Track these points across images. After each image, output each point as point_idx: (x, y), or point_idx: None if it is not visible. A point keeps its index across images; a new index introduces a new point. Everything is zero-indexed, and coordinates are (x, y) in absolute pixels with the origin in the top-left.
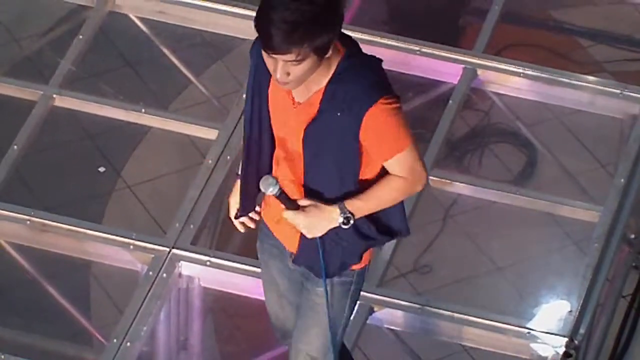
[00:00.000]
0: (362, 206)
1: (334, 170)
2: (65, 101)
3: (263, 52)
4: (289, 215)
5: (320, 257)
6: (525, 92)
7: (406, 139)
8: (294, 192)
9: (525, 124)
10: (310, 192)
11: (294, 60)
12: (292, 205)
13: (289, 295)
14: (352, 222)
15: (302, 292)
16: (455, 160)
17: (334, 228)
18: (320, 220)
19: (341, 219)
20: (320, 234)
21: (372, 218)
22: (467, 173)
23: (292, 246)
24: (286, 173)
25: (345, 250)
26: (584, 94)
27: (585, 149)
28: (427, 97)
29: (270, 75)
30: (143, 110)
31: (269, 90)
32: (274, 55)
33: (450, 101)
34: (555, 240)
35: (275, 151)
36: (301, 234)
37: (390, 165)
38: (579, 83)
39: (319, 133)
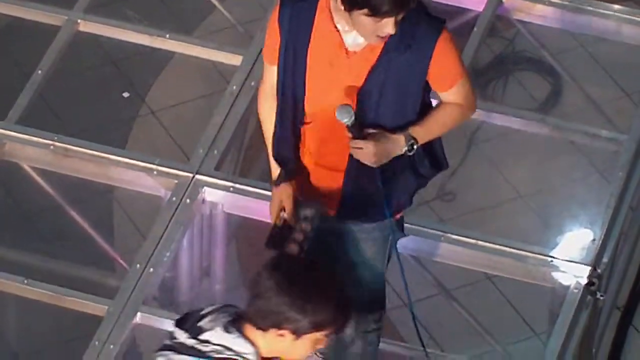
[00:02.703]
0: (423, 133)
1: (396, 107)
2: (89, 26)
3: (363, 18)
4: (360, 143)
5: (380, 189)
6: (550, 20)
7: (463, 65)
8: (338, 152)
9: (550, 52)
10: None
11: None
12: (361, 134)
13: None
14: (415, 148)
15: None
16: (479, 87)
17: (395, 159)
18: (387, 147)
19: (406, 146)
20: (386, 161)
21: (425, 150)
22: (492, 100)
23: (331, 204)
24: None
25: (400, 187)
26: (610, 22)
27: (610, 77)
28: (452, 24)
29: (309, 36)
30: (167, 35)
31: (309, 50)
32: (390, 17)
33: (475, 29)
34: (579, 168)
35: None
36: (343, 187)
37: (450, 93)
38: (605, 11)
39: (383, 75)
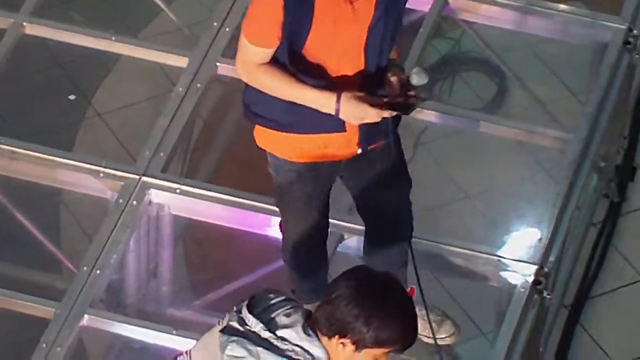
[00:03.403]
0: None
1: (390, 38)
2: (35, 29)
3: None
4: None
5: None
6: (496, 20)
7: None
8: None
9: (495, 52)
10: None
11: None
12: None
13: None
14: None
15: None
16: (426, 88)
17: None
18: None
19: None
20: None
21: None
22: (438, 101)
23: (353, 141)
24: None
25: None
26: (556, 22)
27: (556, 77)
28: None
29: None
30: (113, 38)
31: (315, 10)
32: None
33: (421, 29)
34: (525, 168)
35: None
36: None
37: None
38: (551, 11)
39: (382, 23)
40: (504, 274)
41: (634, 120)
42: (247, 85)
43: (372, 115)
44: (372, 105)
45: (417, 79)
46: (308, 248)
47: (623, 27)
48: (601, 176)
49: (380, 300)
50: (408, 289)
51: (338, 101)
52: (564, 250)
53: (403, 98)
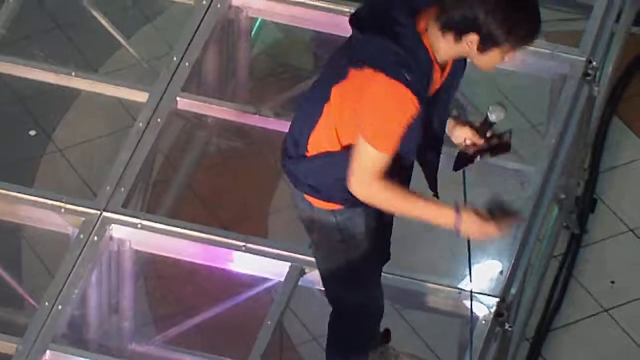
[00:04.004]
0: None
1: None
2: None
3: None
4: None
5: None
6: None
7: None
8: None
9: None
10: None
11: None
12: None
13: None
14: None
15: None
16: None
17: None
18: None
19: None
20: None
21: None
22: None
23: None
24: None
25: None
26: (516, 54)
27: (516, 109)
28: None
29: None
30: (73, 73)
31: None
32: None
33: None
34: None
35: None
36: None
37: None
38: None
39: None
40: (465, 306)
41: (594, 151)
42: (305, 167)
43: (493, 231)
44: (472, 156)
45: (497, 115)
46: (379, 307)
47: (582, 59)
48: (562, 208)
49: None
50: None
51: (458, 217)
52: (525, 282)
53: (497, 140)
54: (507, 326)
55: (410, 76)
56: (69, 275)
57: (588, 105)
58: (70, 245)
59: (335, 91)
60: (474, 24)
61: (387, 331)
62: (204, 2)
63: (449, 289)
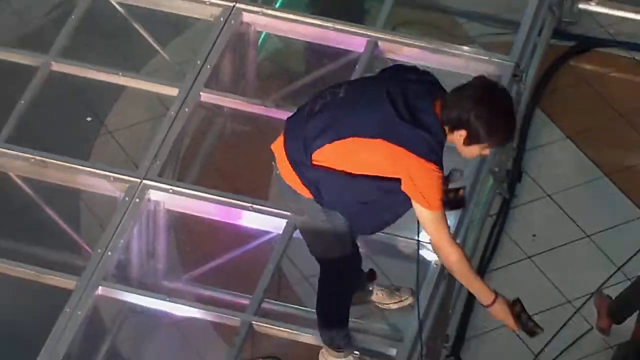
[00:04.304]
0: None
1: None
2: (60, 67)
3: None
4: None
5: None
6: (415, 59)
7: None
8: None
9: None
10: None
11: None
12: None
13: None
14: None
15: None
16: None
17: None
18: None
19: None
20: None
21: None
22: None
23: None
24: None
25: None
26: (461, 60)
27: None
28: (338, 63)
29: None
30: (120, 73)
31: None
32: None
33: (357, 66)
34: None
35: None
36: None
37: None
38: (457, 52)
39: None
40: (422, 252)
41: (521, 135)
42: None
43: (511, 327)
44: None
45: (457, 180)
46: (352, 283)
47: (511, 63)
48: (496, 178)
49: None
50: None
51: (494, 302)
52: (467, 235)
53: (453, 194)
54: None
55: (436, 157)
56: (117, 228)
57: (516, 100)
58: (118, 206)
59: (353, 142)
60: (466, 123)
61: (372, 271)
62: (222, 19)
63: (409, 240)
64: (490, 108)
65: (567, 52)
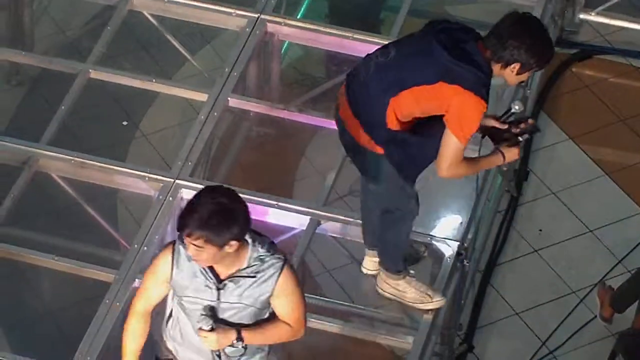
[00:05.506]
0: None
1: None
2: (98, 74)
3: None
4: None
5: None
6: None
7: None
8: None
9: None
10: None
11: None
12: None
13: None
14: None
15: None
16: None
17: None
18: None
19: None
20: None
21: None
22: None
23: None
24: None
25: None
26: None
27: None
28: None
29: None
30: (154, 80)
31: None
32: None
33: None
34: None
35: None
36: None
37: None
38: None
39: None
40: (435, 247)
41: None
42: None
43: (516, 154)
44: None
45: (518, 106)
46: (414, 213)
47: None
48: (504, 177)
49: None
50: None
51: (504, 157)
52: (478, 230)
53: (524, 125)
54: (465, 262)
55: (485, 92)
56: (152, 225)
57: (523, 102)
58: (152, 204)
59: (411, 92)
60: (518, 57)
61: None
62: (247, 30)
63: (423, 234)
64: (533, 38)
65: (569, 59)
